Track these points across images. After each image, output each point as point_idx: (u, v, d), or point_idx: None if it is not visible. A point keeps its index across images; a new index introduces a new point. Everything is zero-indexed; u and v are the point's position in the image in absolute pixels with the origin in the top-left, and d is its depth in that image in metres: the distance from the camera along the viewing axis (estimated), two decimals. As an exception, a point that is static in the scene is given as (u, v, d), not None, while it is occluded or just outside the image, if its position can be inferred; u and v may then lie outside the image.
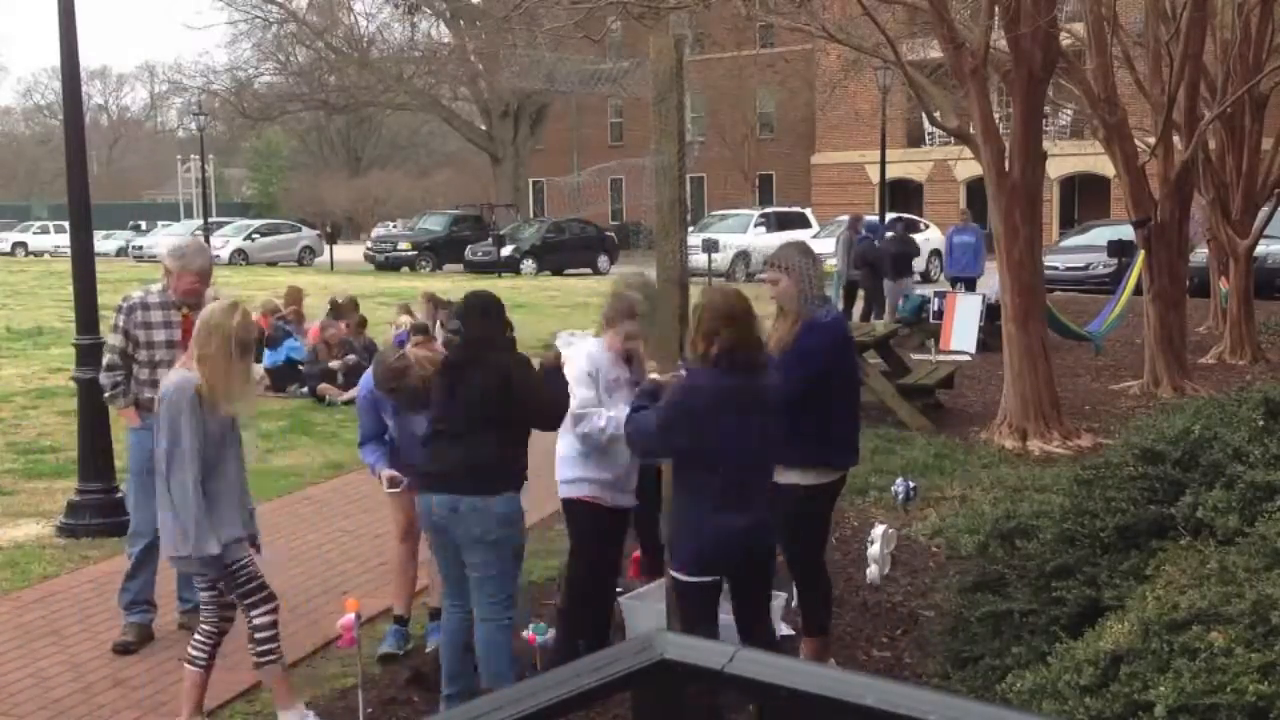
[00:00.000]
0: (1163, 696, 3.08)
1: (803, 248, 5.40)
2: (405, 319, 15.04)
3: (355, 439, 11.51)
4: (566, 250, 36.44)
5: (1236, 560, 3.80)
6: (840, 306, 17.59)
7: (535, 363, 5.00)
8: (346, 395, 12.82)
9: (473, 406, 4.82)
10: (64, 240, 34.71)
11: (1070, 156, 33.74)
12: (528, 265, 35.15)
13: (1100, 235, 22.92)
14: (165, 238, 44.60)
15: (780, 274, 5.13)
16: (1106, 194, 37.62)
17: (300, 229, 46.02)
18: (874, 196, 35.20)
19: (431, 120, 57.78)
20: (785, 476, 4.99)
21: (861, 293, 19.10)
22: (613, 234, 38.56)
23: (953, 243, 19.41)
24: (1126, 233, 14.60)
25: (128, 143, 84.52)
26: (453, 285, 28.10)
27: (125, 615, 6.08)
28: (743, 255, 32.45)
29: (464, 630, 5.02)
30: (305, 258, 42.43)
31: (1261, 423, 5.12)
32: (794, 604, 5.82)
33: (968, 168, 32.05)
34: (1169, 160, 12.66)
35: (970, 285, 18.43)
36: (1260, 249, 16.61)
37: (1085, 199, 40.97)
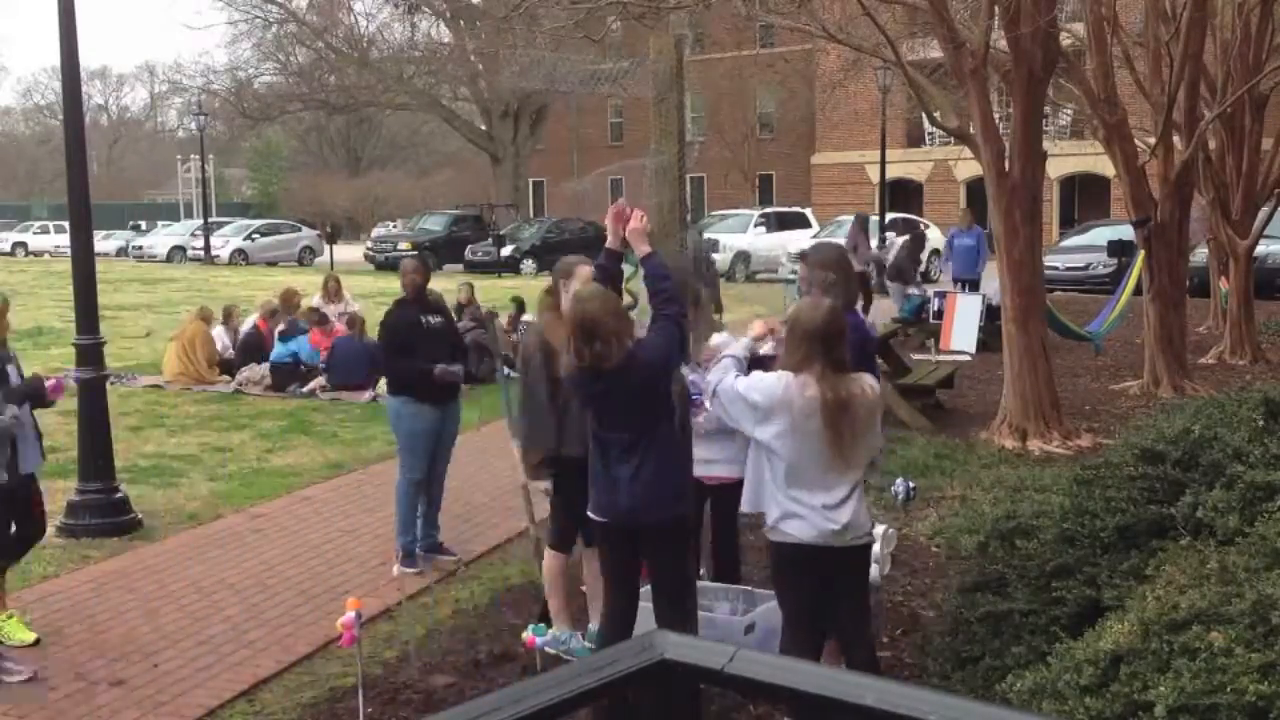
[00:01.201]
0: (1163, 696, 3.08)
1: (832, 255, 5.49)
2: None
3: (355, 438, 11.53)
4: (566, 250, 36.24)
5: (1236, 560, 3.81)
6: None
7: None
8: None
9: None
10: (64, 240, 34.69)
11: (1070, 156, 33.73)
12: (528, 265, 35.14)
13: (1100, 235, 22.91)
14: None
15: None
16: (1106, 194, 37.61)
17: (300, 229, 45.97)
18: (874, 196, 35.19)
19: (431, 120, 57.71)
20: None
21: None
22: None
23: (954, 245, 19.38)
24: (1126, 233, 14.60)
25: (128, 143, 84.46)
26: (453, 285, 28.05)
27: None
28: (743, 255, 32.43)
29: None
30: (305, 258, 42.41)
31: (1261, 423, 5.12)
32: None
33: (968, 168, 32.04)
34: (1169, 160, 12.66)
35: (973, 287, 18.41)
36: (1260, 249, 16.59)
37: (1085, 199, 40.95)
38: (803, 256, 5.55)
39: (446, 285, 17.56)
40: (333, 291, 15.52)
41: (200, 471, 9.76)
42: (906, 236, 20.33)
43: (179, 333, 14.42)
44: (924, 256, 24.06)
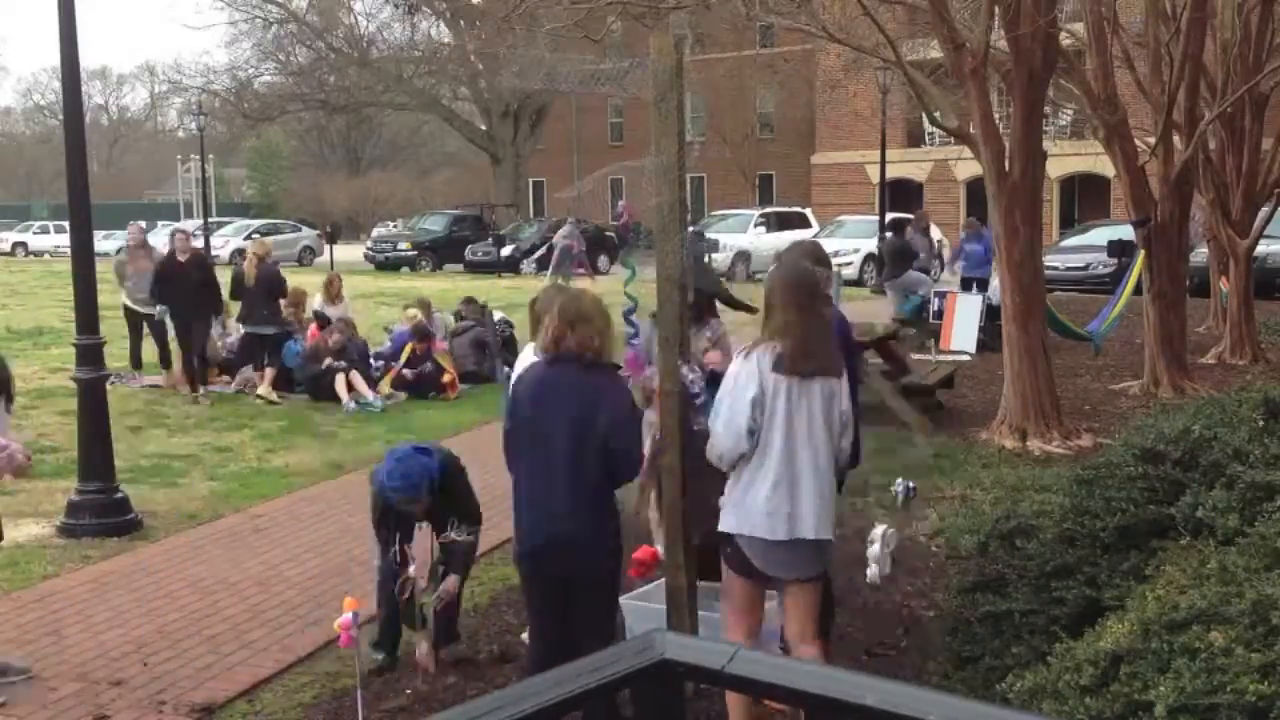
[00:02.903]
0: (1163, 696, 3.08)
1: (799, 251, 5.47)
2: (413, 310, 15.11)
3: (355, 438, 11.48)
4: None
5: (1236, 560, 3.80)
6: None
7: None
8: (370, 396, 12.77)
9: None
10: (64, 240, 34.70)
11: (1070, 156, 33.70)
12: (528, 265, 35.16)
13: (1100, 235, 22.91)
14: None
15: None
16: (1106, 194, 37.60)
17: (300, 229, 46.01)
18: (874, 196, 35.19)
19: (431, 120, 57.75)
20: None
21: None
22: (613, 234, 38.59)
23: (964, 250, 19.52)
24: (1126, 233, 14.60)
25: (128, 143, 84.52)
26: (453, 285, 28.08)
27: None
28: (743, 255, 32.44)
29: None
30: (305, 258, 42.43)
31: (1261, 423, 5.12)
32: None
33: (968, 168, 32.03)
34: (1169, 160, 12.66)
35: (982, 286, 18.42)
36: (1260, 249, 16.60)
37: (1085, 199, 40.94)
38: (779, 256, 5.55)
39: (444, 285, 17.71)
40: (335, 293, 15.51)
41: (200, 471, 9.76)
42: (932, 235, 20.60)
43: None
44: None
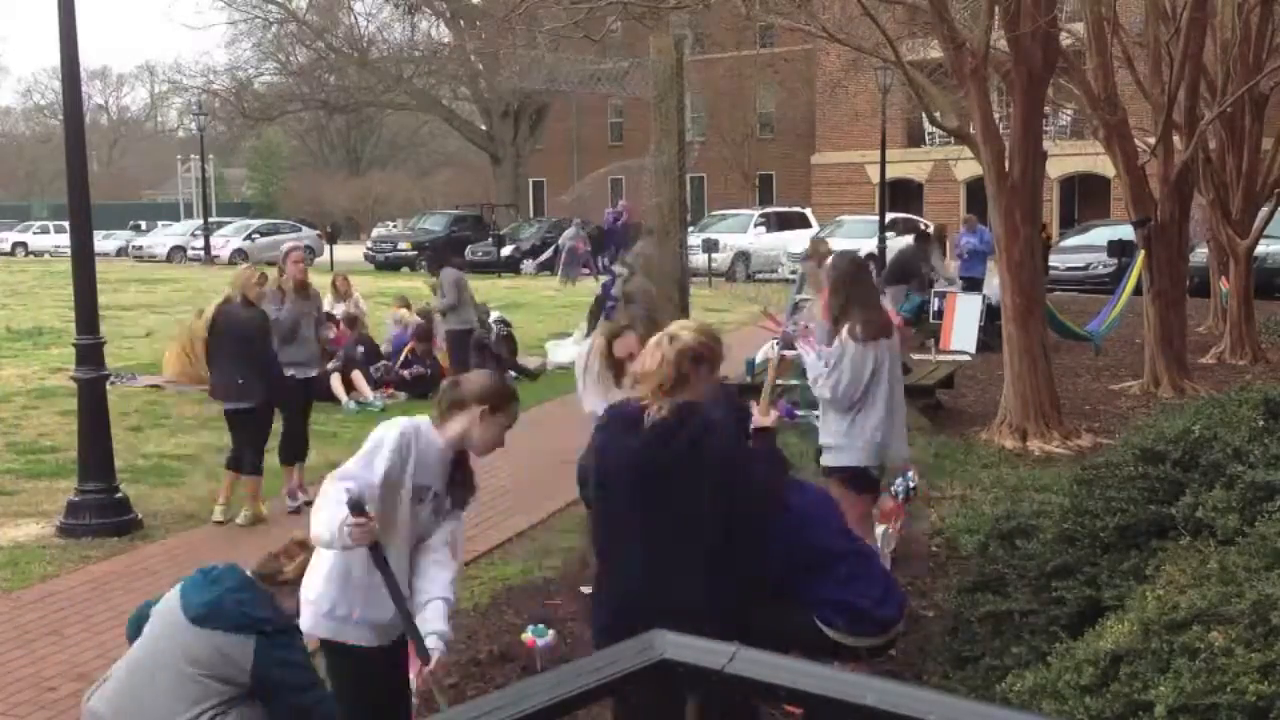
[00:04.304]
0: (1163, 696, 3.08)
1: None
2: (403, 312, 15.06)
3: (354, 438, 11.44)
4: (567, 250, 36.43)
5: (1236, 560, 3.80)
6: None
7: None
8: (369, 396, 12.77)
9: None
10: (64, 240, 34.67)
11: (1070, 156, 33.68)
12: (528, 265, 35.15)
13: (1100, 235, 22.93)
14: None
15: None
16: (1106, 194, 37.59)
17: (300, 229, 45.99)
18: (874, 196, 35.19)
19: (431, 120, 57.76)
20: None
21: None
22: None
23: (960, 245, 19.52)
24: (1126, 233, 14.61)
25: (128, 143, 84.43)
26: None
27: None
28: (743, 255, 32.42)
29: None
30: (305, 258, 42.45)
31: (1261, 423, 5.12)
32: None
33: (968, 168, 32.01)
34: (1169, 160, 12.66)
35: (977, 285, 18.40)
36: (1260, 249, 16.59)
37: (1085, 199, 40.93)
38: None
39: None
40: (342, 291, 15.51)
41: (200, 471, 9.75)
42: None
43: (179, 334, 14.41)
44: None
